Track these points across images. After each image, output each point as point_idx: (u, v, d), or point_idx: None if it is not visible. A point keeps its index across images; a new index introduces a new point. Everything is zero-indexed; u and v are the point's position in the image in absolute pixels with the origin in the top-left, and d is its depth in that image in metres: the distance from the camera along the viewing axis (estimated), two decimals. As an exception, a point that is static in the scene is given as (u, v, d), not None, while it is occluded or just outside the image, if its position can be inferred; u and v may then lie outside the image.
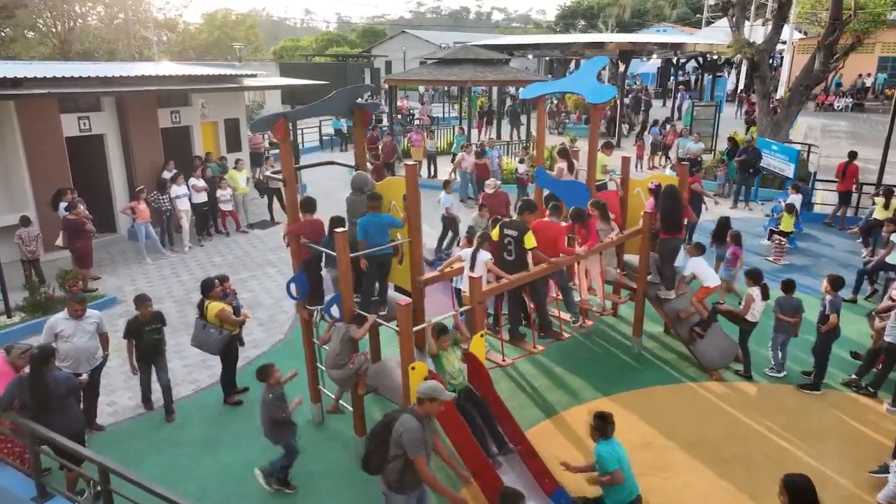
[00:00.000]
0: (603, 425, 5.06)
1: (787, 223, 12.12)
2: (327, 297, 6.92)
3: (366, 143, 20.17)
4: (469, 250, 7.03)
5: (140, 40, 35.63)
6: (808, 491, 4.00)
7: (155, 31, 36.36)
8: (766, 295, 8.21)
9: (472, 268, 6.91)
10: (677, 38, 31.45)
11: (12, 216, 11.56)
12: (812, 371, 8.10)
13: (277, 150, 21.81)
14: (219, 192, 14.04)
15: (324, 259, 7.02)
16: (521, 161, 15.76)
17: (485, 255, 6.76)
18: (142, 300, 7.39)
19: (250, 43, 46.76)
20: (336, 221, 6.68)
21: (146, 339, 7.37)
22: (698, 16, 56.91)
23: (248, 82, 16.70)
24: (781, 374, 8.35)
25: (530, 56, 33.93)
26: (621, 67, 24.11)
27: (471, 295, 6.36)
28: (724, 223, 10.76)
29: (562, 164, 9.41)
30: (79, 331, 6.90)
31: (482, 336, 6.48)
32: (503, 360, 7.16)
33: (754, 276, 8.26)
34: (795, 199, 13.17)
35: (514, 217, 7.45)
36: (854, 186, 14.50)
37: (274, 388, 6.19)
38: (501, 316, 7.71)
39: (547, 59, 32.45)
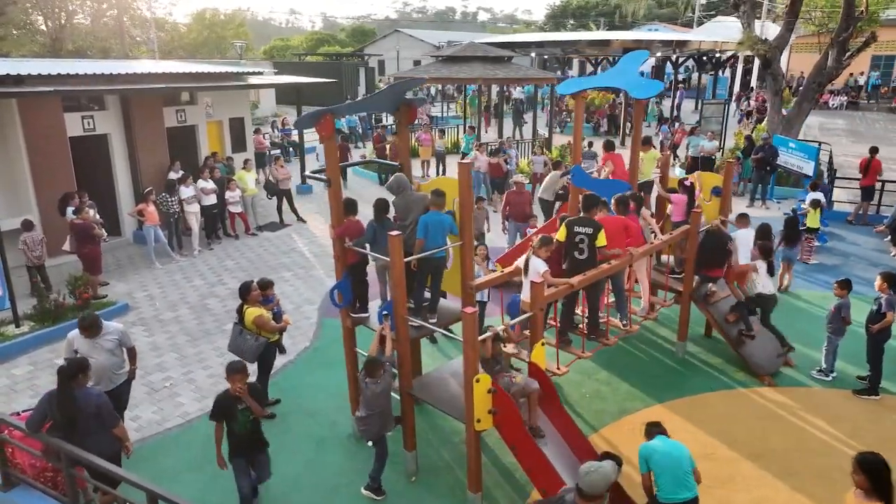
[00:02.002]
0: (648, 430, 5.13)
1: (812, 219, 11.89)
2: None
3: (373, 142, 19.75)
4: (524, 256, 6.69)
5: (128, 39, 34.88)
6: (883, 467, 4.02)
7: (145, 30, 35.69)
8: (771, 271, 8.27)
9: (527, 274, 6.57)
10: (681, 36, 31.32)
11: (16, 220, 11.01)
12: (867, 375, 7.84)
13: (277, 150, 21.32)
14: (228, 194, 13.55)
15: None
16: (546, 164, 15.37)
17: (540, 266, 6.41)
18: (235, 370, 5.48)
19: (233, 43, 46.03)
20: (381, 210, 6.24)
21: (241, 422, 5.46)
22: (689, 15, 57.01)
23: (253, 80, 16.21)
24: (829, 378, 8.10)
25: (533, 54, 33.61)
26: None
27: (532, 301, 5.99)
28: (792, 223, 10.55)
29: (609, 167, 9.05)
30: (95, 349, 6.39)
31: (543, 344, 6.13)
32: (558, 369, 6.80)
33: (765, 251, 8.27)
34: (815, 195, 12.96)
35: (581, 214, 7.10)
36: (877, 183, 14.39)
37: (380, 378, 5.69)
38: (549, 323, 7.36)
39: (545, 57, 32.12)
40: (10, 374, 8.51)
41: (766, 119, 26.20)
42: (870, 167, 14.08)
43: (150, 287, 11.41)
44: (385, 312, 6.05)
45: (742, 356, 8.23)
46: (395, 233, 5.70)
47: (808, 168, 14.99)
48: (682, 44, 25.81)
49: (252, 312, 7.20)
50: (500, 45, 23.28)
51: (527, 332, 6.33)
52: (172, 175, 13.35)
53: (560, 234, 6.93)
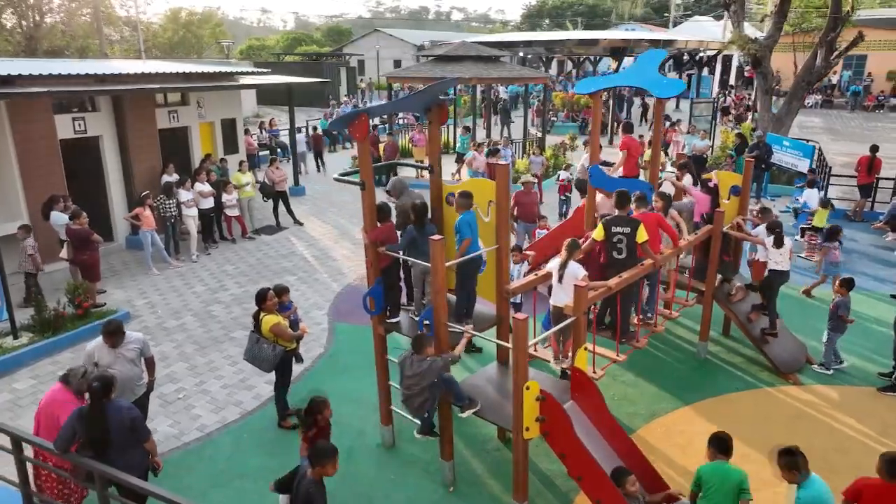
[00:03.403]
0: (793, 460, 4.84)
1: (820, 218, 12.00)
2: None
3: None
4: (557, 261, 6.58)
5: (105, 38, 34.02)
6: None
7: (117, 29, 34.82)
8: (779, 243, 8.32)
9: (560, 280, 6.45)
10: (668, 35, 31.60)
11: (8, 225, 10.58)
12: (890, 372, 7.89)
13: (266, 152, 20.88)
14: (225, 197, 13.20)
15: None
16: (567, 168, 15.30)
17: (578, 271, 6.31)
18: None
19: (218, 42, 45.22)
20: (421, 214, 6.07)
21: None
22: (665, 15, 57.64)
23: (245, 80, 15.83)
24: (830, 372, 8.21)
25: (529, 55, 33.57)
26: (613, 65, 23.91)
27: (575, 305, 5.86)
28: (835, 228, 10.48)
29: (683, 182, 8.96)
30: (119, 360, 6.11)
31: (585, 349, 6.00)
32: (594, 372, 6.68)
33: (773, 227, 8.46)
34: (811, 193, 13.11)
35: (616, 212, 7.01)
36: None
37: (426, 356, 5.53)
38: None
39: (528, 56, 32.15)
40: (12, 389, 8.12)
41: (749, 117, 26.60)
42: (872, 165, 14.30)
43: (149, 294, 11.03)
44: (427, 321, 5.87)
45: (766, 355, 8.22)
46: (437, 237, 5.52)
47: (803, 165, 15.16)
48: (668, 43, 25.99)
49: (269, 320, 6.96)
50: (489, 45, 23.18)
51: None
52: (166, 177, 12.97)
53: (597, 234, 6.85)
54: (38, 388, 8.16)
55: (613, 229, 6.74)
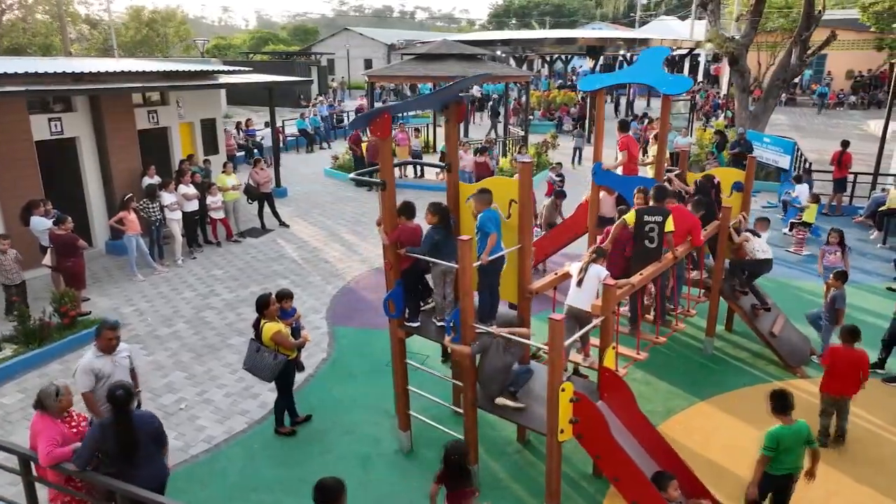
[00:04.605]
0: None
1: (810, 214, 12.21)
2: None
3: (348, 142, 19.19)
4: (578, 264, 6.53)
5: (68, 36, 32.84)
6: None
7: (77, 26, 33.69)
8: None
9: (580, 283, 6.39)
10: (641, 34, 31.98)
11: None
12: (876, 363, 8.07)
13: (244, 153, 20.35)
14: (209, 199, 12.80)
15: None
16: (553, 168, 15.20)
17: (601, 272, 6.26)
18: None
19: (182, 40, 44.17)
20: (447, 215, 5.92)
21: None
22: (632, 15, 58.52)
23: (223, 79, 15.40)
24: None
25: (504, 54, 33.53)
26: (589, 63, 24.07)
27: (604, 304, 5.78)
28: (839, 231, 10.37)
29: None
30: (117, 368, 5.81)
31: (614, 348, 5.94)
32: (617, 371, 6.61)
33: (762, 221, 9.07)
34: (802, 189, 13.38)
35: (652, 203, 7.10)
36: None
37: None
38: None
39: (503, 55, 32.15)
40: (0, 405, 7.70)
41: (721, 115, 27.10)
42: (842, 160, 14.64)
43: (136, 301, 10.62)
44: (452, 323, 5.72)
45: (773, 350, 8.29)
46: (465, 237, 5.37)
47: (784, 162, 15.45)
48: (644, 41, 26.27)
49: (270, 328, 6.72)
50: (468, 44, 23.04)
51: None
52: (148, 180, 12.52)
53: (629, 219, 6.98)
54: (26, 402, 7.73)
55: (646, 218, 6.86)
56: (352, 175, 6.82)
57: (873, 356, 8.35)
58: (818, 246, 12.93)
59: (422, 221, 6.05)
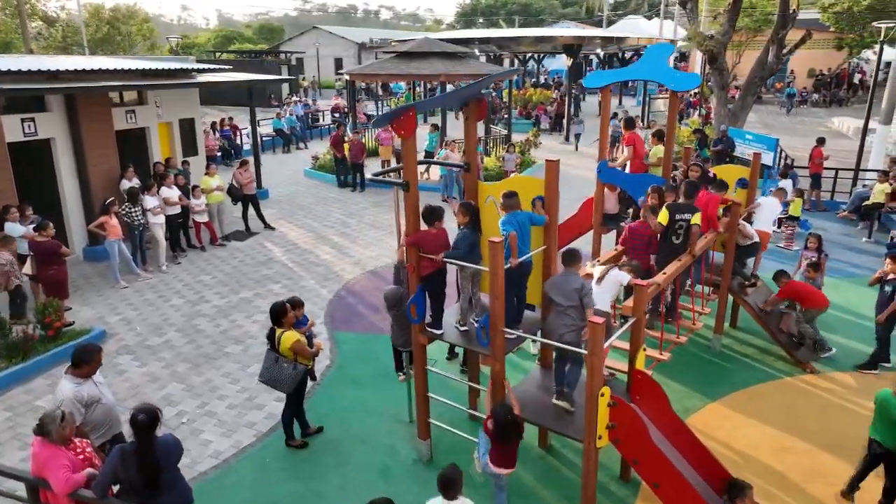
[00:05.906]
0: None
1: (795, 208, 12.37)
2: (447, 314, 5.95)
3: (330, 142, 18.76)
4: (600, 267, 6.42)
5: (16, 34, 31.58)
6: None
7: (34, 24, 32.41)
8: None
9: (598, 281, 6.31)
10: (618, 33, 32.20)
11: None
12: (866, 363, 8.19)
13: (219, 154, 19.76)
14: (193, 202, 12.35)
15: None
16: (515, 162, 15.07)
17: (623, 277, 6.24)
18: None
19: (146, 39, 42.95)
20: (475, 214, 5.74)
21: None
22: (599, 14, 59.02)
23: (202, 78, 14.90)
24: (833, 351, 8.45)
25: (482, 53, 33.42)
26: (566, 62, 24.08)
27: (635, 305, 5.65)
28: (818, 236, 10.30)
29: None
30: (101, 387, 5.43)
31: (644, 350, 5.82)
32: (641, 373, 6.51)
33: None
34: (787, 183, 13.53)
35: (683, 200, 7.19)
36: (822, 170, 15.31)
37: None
38: None
39: (479, 53, 32.03)
40: (-15, 424, 7.22)
41: (695, 113, 27.44)
42: (812, 155, 15.04)
43: (122, 310, 10.14)
44: (483, 326, 5.51)
45: (783, 346, 8.31)
46: (496, 238, 5.18)
47: (767, 158, 15.61)
48: (620, 40, 26.43)
49: (289, 338, 6.45)
50: (446, 42, 22.83)
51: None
52: (125, 183, 12.01)
53: (662, 217, 6.99)
54: (14, 420, 7.30)
55: (677, 216, 6.95)
56: (371, 175, 6.54)
57: (866, 352, 8.39)
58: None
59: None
